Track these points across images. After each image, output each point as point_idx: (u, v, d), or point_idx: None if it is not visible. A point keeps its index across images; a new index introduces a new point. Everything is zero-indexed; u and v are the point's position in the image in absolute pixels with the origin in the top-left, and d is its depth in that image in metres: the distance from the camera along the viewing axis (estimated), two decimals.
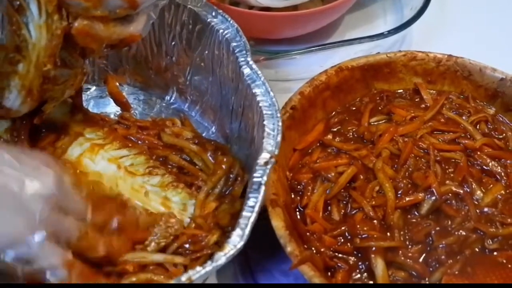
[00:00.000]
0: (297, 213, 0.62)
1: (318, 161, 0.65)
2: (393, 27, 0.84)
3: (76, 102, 0.67)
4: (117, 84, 0.72)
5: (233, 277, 0.65)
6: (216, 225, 0.61)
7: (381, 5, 0.97)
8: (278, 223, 0.56)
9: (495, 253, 0.58)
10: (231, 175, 0.64)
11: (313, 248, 0.57)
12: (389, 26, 0.89)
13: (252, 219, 0.52)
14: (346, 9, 0.88)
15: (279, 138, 0.56)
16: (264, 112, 0.58)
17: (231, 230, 0.52)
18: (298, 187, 0.63)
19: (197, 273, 0.49)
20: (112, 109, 0.75)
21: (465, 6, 0.99)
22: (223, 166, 0.64)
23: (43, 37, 0.52)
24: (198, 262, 0.58)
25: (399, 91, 0.73)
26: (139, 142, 0.68)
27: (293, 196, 0.63)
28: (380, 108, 0.70)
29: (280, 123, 0.57)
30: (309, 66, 0.80)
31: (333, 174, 0.62)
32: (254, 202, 0.53)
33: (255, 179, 0.54)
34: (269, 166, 0.54)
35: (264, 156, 0.55)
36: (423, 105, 0.71)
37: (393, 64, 0.72)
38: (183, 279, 0.48)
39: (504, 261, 0.58)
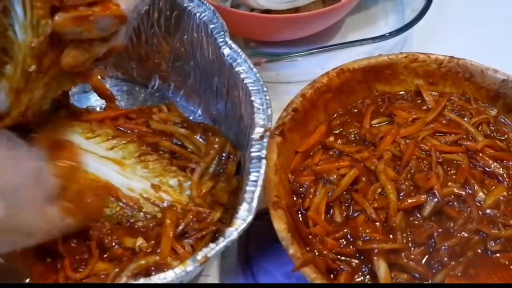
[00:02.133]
0: (299, 215, 0.62)
1: (320, 163, 0.65)
2: (394, 29, 0.84)
3: (60, 100, 0.67)
4: (100, 77, 0.73)
5: (235, 279, 0.65)
6: (216, 203, 0.62)
7: (382, 7, 0.98)
8: (280, 225, 0.56)
9: (497, 254, 0.58)
10: (223, 154, 0.65)
11: (315, 251, 0.57)
12: (390, 28, 0.89)
13: (257, 193, 0.53)
14: (347, 11, 0.88)
15: (269, 112, 0.58)
16: (250, 88, 0.59)
17: (231, 207, 0.52)
18: (300, 189, 0.63)
19: (212, 250, 0.50)
20: (96, 102, 0.76)
21: (466, 8, 0.99)
22: (215, 146, 0.65)
23: (29, 37, 0.51)
24: (204, 240, 0.59)
25: (400, 92, 0.73)
26: (128, 131, 0.68)
27: (295, 198, 0.63)
28: (381, 110, 0.70)
29: (268, 97, 0.58)
30: (310, 68, 0.80)
31: (335, 176, 0.62)
32: (256, 176, 0.54)
33: (253, 154, 0.55)
34: (265, 140, 0.56)
35: (258, 131, 0.56)
36: (424, 107, 0.71)
37: (394, 65, 0.72)
38: (199, 257, 0.49)
39: (507, 262, 0.58)
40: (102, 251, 0.58)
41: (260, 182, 0.53)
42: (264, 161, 0.54)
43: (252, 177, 0.54)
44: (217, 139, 0.66)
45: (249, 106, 0.58)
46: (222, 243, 0.50)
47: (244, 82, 0.60)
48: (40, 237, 0.52)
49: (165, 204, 0.62)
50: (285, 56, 0.80)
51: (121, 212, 0.60)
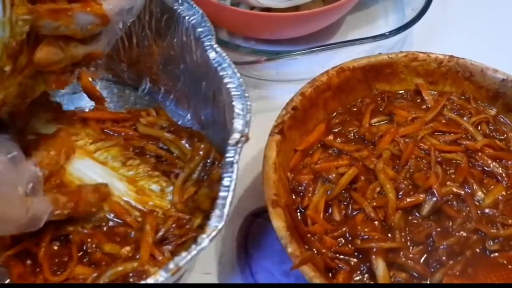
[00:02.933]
0: (298, 214, 0.62)
1: (319, 162, 0.65)
2: (394, 28, 0.84)
3: (41, 101, 0.66)
4: (90, 79, 0.73)
5: (234, 278, 0.65)
6: (197, 209, 0.61)
7: (382, 5, 0.97)
8: (279, 224, 0.56)
9: (496, 254, 0.58)
10: (208, 160, 0.65)
11: (314, 249, 0.57)
12: (390, 27, 0.89)
13: (229, 199, 0.52)
14: (347, 9, 0.88)
15: (248, 117, 0.57)
16: (232, 93, 0.59)
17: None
18: (299, 188, 0.63)
19: (183, 259, 0.49)
20: (86, 103, 0.76)
21: (466, 7, 0.99)
22: (200, 152, 0.65)
23: (6, 34, 0.50)
24: (184, 247, 0.58)
25: (400, 92, 0.73)
26: (115, 134, 0.68)
27: (294, 197, 0.63)
28: (381, 109, 0.70)
29: (248, 103, 0.58)
30: (310, 67, 0.80)
31: (334, 175, 0.62)
32: (228, 181, 0.53)
33: (227, 159, 0.55)
34: (240, 145, 0.55)
35: (235, 137, 0.56)
36: (424, 106, 0.71)
37: (394, 64, 0.72)
38: (171, 266, 0.49)
39: (505, 262, 0.58)
40: (82, 255, 0.58)
41: (232, 187, 0.53)
42: (235, 166, 0.54)
43: (225, 182, 0.53)
44: (202, 145, 0.66)
45: (230, 111, 0.58)
46: (193, 250, 0.49)
47: (227, 86, 0.60)
48: (19, 226, 0.51)
49: (145, 209, 0.62)
50: (285, 55, 0.79)
51: (102, 215, 0.60)
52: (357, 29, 0.93)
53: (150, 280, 0.48)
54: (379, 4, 0.97)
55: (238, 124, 0.57)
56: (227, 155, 0.55)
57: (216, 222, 0.51)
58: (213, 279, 0.65)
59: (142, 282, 0.49)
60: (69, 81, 0.58)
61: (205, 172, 0.65)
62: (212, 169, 0.64)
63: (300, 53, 0.79)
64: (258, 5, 0.82)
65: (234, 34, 0.88)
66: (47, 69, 0.54)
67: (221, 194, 0.53)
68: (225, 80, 0.60)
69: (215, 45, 0.63)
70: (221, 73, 0.61)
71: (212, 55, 0.63)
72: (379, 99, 0.72)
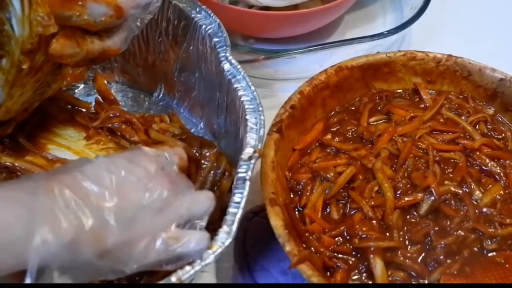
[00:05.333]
0: (296, 213, 0.62)
1: (317, 161, 0.65)
2: (393, 27, 0.84)
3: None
4: (106, 82, 0.73)
5: (232, 276, 0.65)
6: None
7: (381, 4, 0.98)
8: (277, 222, 0.56)
9: (493, 253, 0.58)
10: (218, 170, 0.64)
11: (312, 248, 0.57)
12: (389, 26, 0.89)
13: (238, 215, 0.52)
14: (346, 8, 0.88)
15: (261, 132, 0.57)
16: (246, 106, 0.59)
17: (220, 225, 0.52)
18: (297, 187, 0.63)
19: (186, 273, 0.48)
20: None
21: (465, 6, 0.99)
22: (208, 160, 0.64)
23: (26, 32, 0.51)
24: None
25: (398, 91, 0.73)
26: (127, 136, 0.68)
27: (292, 196, 0.63)
28: (379, 108, 0.70)
29: (262, 117, 0.57)
30: (308, 66, 0.80)
31: (332, 174, 0.62)
32: (240, 198, 0.53)
33: (239, 175, 0.54)
34: (253, 161, 0.55)
35: (248, 151, 0.55)
36: (422, 105, 0.71)
37: (392, 63, 0.72)
38: (173, 279, 0.48)
39: (503, 261, 0.58)
40: None
41: (242, 204, 0.52)
42: (248, 183, 0.53)
43: (236, 198, 0.53)
44: (210, 152, 0.65)
45: (244, 125, 0.58)
46: (197, 266, 0.49)
47: (241, 99, 0.59)
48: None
49: None
50: (283, 53, 0.79)
51: None
52: (356, 28, 0.93)
53: None
54: (378, 3, 0.98)
55: (251, 138, 0.56)
56: (239, 170, 0.54)
57: (223, 239, 0.50)
58: (211, 277, 0.65)
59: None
60: (85, 75, 0.59)
61: (215, 183, 0.64)
62: (223, 179, 0.63)
63: (298, 51, 0.79)
64: (257, 3, 0.82)
65: (232, 33, 0.88)
66: (62, 61, 0.54)
67: (231, 210, 0.52)
68: (240, 93, 0.60)
69: (230, 57, 0.63)
70: (235, 85, 0.61)
71: (226, 66, 0.62)
72: (377, 98, 0.72)
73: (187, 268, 0.49)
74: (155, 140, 0.68)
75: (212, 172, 0.64)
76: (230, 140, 0.67)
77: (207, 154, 0.65)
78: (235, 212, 0.52)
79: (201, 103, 0.73)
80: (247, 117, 0.58)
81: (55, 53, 0.53)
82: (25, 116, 0.61)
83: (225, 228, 0.51)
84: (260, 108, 0.58)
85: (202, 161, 0.65)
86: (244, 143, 0.56)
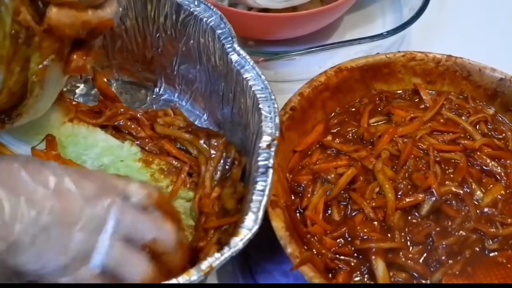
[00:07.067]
0: (297, 214, 0.62)
1: (317, 162, 0.65)
2: (392, 28, 0.84)
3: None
4: (105, 80, 0.73)
5: (233, 278, 0.65)
6: (221, 209, 0.62)
7: (380, 5, 0.97)
8: (278, 224, 0.56)
9: (495, 253, 0.58)
10: (228, 159, 0.65)
11: (313, 250, 0.57)
12: (388, 27, 0.89)
13: (264, 203, 0.52)
14: (345, 10, 0.88)
15: (277, 120, 0.57)
16: (258, 96, 0.59)
17: (234, 214, 0.52)
18: (298, 188, 0.63)
19: (217, 260, 0.49)
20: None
21: (464, 7, 0.99)
22: (217, 149, 0.66)
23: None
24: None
25: (398, 91, 0.73)
26: (133, 133, 0.69)
27: (293, 197, 0.63)
28: (379, 109, 0.70)
29: (276, 105, 0.58)
30: (308, 67, 0.80)
31: (333, 175, 0.62)
32: (263, 186, 0.53)
33: (260, 163, 0.54)
34: (273, 149, 0.55)
35: (266, 139, 0.56)
36: (422, 106, 0.71)
37: (392, 64, 0.72)
38: (203, 267, 0.48)
39: (504, 261, 0.58)
40: None
41: (267, 192, 0.53)
42: (271, 170, 0.54)
43: (259, 186, 0.53)
44: (219, 142, 0.66)
45: (257, 114, 0.58)
46: (227, 253, 0.49)
47: (252, 89, 0.59)
48: None
49: None
50: (283, 55, 0.79)
51: None
52: (355, 29, 0.93)
53: (181, 279, 0.47)
54: (377, 4, 0.97)
55: (267, 127, 0.57)
56: (259, 158, 0.55)
57: (250, 226, 0.51)
58: (212, 279, 0.65)
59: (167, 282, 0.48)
60: (87, 66, 0.58)
61: (225, 172, 0.65)
62: (233, 168, 0.64)
63: (298, 53, 0.79)
64: (256, 5, 0.82)
65: None
66: (61, 32, 0.53)
67: (255, 197, 0.52)
68: (250, 83, 0.60)
69: (238, 48, 0.63)
70: (245, 75, 0.61)
71: (234, 57, 0.62)
72: (377, 99, 0.72)
73: (216, 255, 0.49)
74: (162, 134, 0.69)
75: (222, 161, 0.64)
76: (236, 129, 0.67)
77: (215, 144, 0.65)
78: (260, 200, 0.52)
79: (204, 95, 0.73)
80: (260, 106, 0.58)
81: (51, 22, 0.52)
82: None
83: (251, 215, 0.51)
84: (273, 97, 0.59)
85: (211, 151, 0.65)
86: (260, 131, 0.56)
